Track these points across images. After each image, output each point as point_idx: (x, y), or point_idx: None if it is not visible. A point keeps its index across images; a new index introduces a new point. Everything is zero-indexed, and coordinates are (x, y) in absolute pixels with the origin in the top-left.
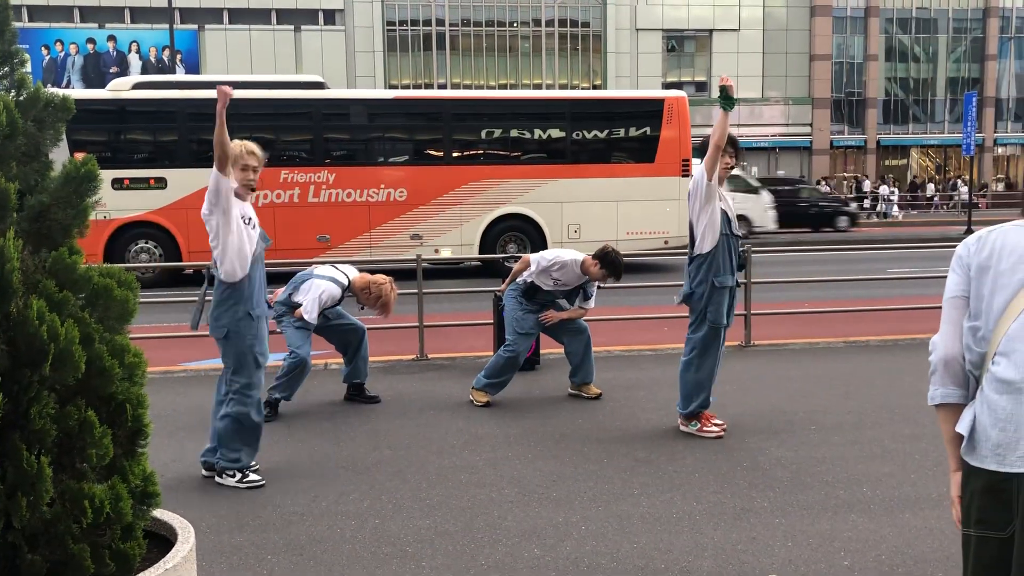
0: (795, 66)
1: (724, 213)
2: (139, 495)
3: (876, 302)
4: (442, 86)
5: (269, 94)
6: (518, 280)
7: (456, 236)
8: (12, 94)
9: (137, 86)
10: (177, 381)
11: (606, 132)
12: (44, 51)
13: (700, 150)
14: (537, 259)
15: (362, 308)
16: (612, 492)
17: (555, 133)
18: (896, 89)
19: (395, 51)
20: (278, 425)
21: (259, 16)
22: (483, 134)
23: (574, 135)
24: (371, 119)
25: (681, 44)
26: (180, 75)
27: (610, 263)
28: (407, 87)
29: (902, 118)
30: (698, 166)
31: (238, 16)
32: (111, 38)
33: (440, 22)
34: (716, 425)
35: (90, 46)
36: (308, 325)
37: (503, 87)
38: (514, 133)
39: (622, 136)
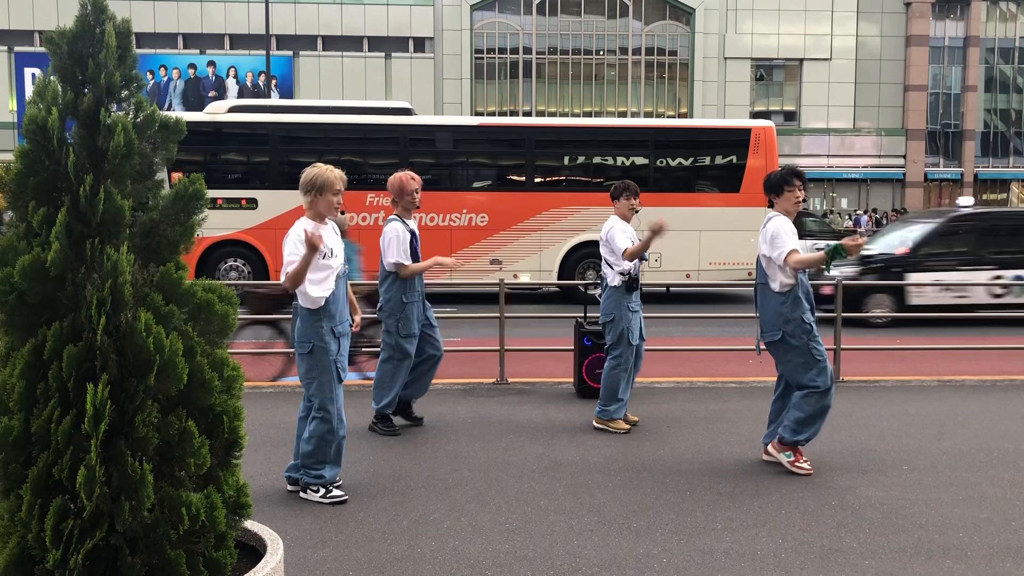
0: (888, 96)
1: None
2: (232, 505)
3: (973, 340)
4: (527, 113)
5: (357, 119)
6: (614, 285)
7: (535, 262)
8: (131, 116)
9: (232, 109)
10: (265, 396)
11: (691, 160)
12: (149, 76)
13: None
14: (605, 255)
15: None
16: (695, 525)
17: (638, 160)
18: (996, 121)
19: (482, 78)
20: (360, 443)
21: (351, 43)
22: (565, 160)
23: (657, 163)
24: (455, 145)
25: (770, 73)
26: (274, 99)
27: (616, 187)
28: (493, 114)
29: (1002, 151)
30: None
31: (331, 43)
32: (211, 63)
33: (527, 50)
34: (806, 463)
35: (191, 71)
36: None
37: (588, 115)
38: (596, 160)
39: (707, 164)
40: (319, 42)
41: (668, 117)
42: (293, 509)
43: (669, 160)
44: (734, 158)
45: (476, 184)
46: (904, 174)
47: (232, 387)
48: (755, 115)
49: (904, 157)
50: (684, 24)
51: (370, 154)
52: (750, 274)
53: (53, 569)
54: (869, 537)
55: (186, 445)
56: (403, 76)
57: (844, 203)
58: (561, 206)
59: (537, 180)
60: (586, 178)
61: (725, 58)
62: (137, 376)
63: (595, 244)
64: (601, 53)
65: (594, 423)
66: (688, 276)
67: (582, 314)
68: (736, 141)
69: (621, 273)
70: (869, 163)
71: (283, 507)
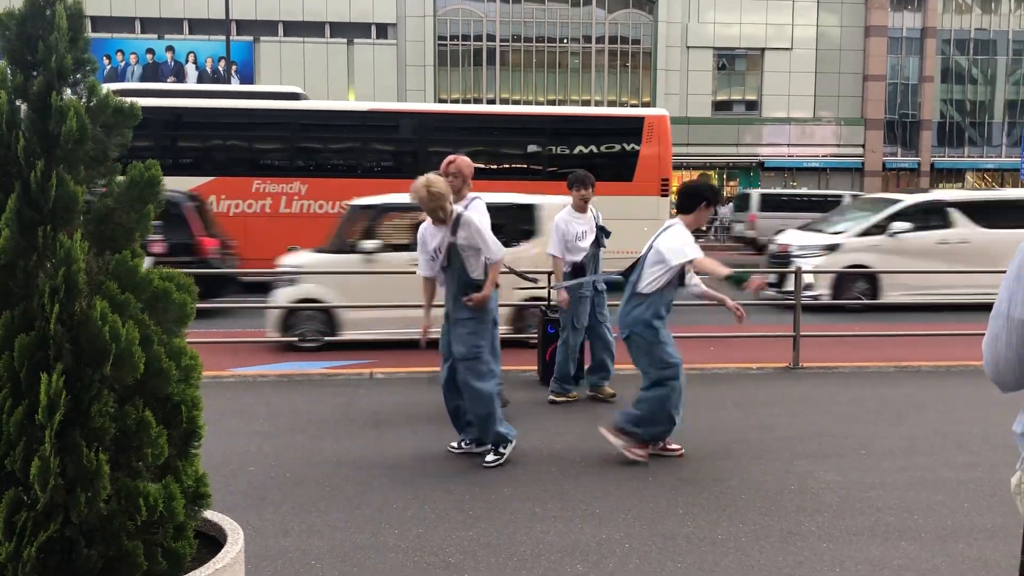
0: (848, 86)
1: (678, 275)
2: (191, 495)
3: (928, 327)
4: (491, 101)
5: (244, 104)
6: (565, 271)
7: None
8: (83, 100)
9: (116, 94)
10: (225, 386)
11: (584, 149)
12: (105, 60)
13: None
14: (556, 243)
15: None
16: (656, 510)
17: (532, 149)
18: (952, 111)
19: (446, 65)
20: (323, 433)
21: (313, 29)
22: (458, 147)
23: (551, 151)
24: (346, 131)
25: (732, 62)
26: (162, 84)
27: (569, 177)
28: (457, 101)
29: (957, 141)
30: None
31: (293, 29)
32: (169, 48)
33: (491, 37)
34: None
35: (149, 56)
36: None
37: (552, 103)
38: (489, 148)
39: (600, 153)
40: (280, 27)
41: (631, 106)
42: (254, 499)
43: (563, 149)
44: (627, 147)
45: (368, 170)
46: (863, 163)
47: (190, 376)
48: (717, 104)
49: (863, 146)
50: (647, 13)
51: (257, 139)
52: None
53: (6, 562)
54: (827, 520)
55: (143, 435)
56: (366, 62)
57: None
58: None
59: (427, 167)
60: (480, 165)
61: (688, 47)
62: (92, 365)
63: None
64: (565, 41)
65: (550, 396)
66: None
67: (545, 302)
68: (629, 130)
69: (572, 262)
70: (829, 152)
71: (244, 497)
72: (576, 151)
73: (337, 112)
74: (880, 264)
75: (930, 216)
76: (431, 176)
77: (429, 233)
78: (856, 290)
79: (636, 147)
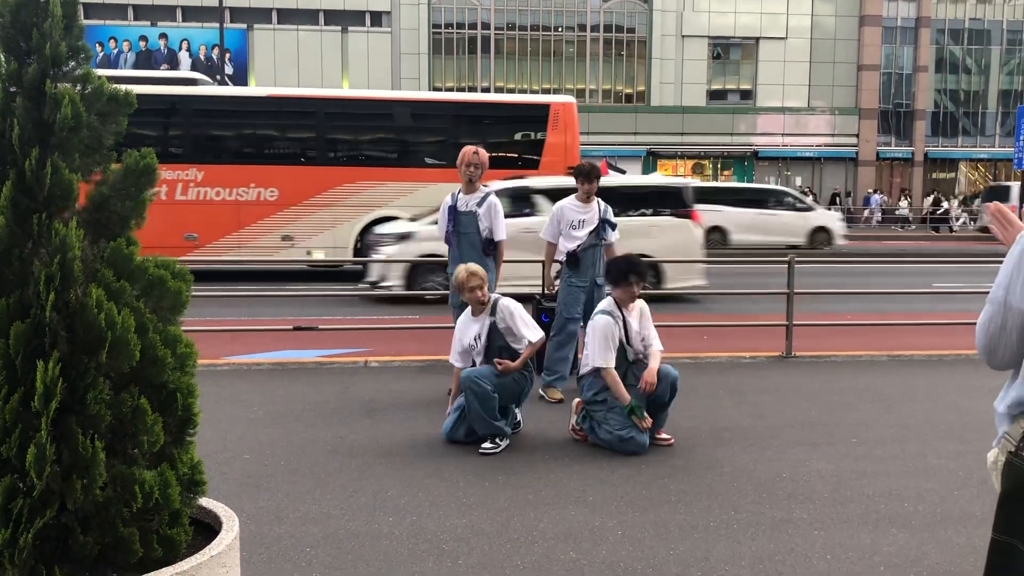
0: (842, 76)
1: (620, 345)
2: (187, 483)
3: (921, 316)
4: (485, 89)
5: (140, 89)
6: (559, 260)
7: (329, 238)
8: (78, 88)
9: None
10: (221, 374)
11: (489, 136)
12: (98, 48)
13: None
14: (550, 228)
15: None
16: (649, 498)
17: (436, 135)
18: (946, 101)
19: (440, 54)
20: (316, 420)
21: (307, 17)
22: (359, 135)
23: (455, 138)
24: (243, 117)
25: (727, 52)
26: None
27: (577, 171)
28: (451, 89)
29: (951, 131)
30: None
31: (286, 16)
32: (162, 36)
33: (485, 25)
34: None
35: (142, 44)
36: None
37: (546, 91)
38: (392, 134)
39: (506, 140)
40: (274, 15)
41: (625, 94)
42: (249, 487)
43: (467, 136)
44: (533, 134)
45: (265, 157)
46: (857, 153)
47: (185, 364)
48: (711, 93)
49: (857, 136)
50: (642, 2)
51: (151, 125)
52: None
53: (2, 549)
54: (819, 508)
55: (139, 423)
56: (360, 51)
57: (798, 181)
58: (356, 181)
59: (330, 154)
60: (381, 153)
61: (682, 36)
62: (88, 353)
63: (393, 221)
64: (560, 30)
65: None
66: None
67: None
68: (535, 117)
69: (566, 250)
70: (823, 142)
71: (239, 484)
72: (482, 138)
73: (235, 98)
74: None
75: (517, 203)
76: (471, 265)
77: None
78: (434, 281)
79: (542, 134)
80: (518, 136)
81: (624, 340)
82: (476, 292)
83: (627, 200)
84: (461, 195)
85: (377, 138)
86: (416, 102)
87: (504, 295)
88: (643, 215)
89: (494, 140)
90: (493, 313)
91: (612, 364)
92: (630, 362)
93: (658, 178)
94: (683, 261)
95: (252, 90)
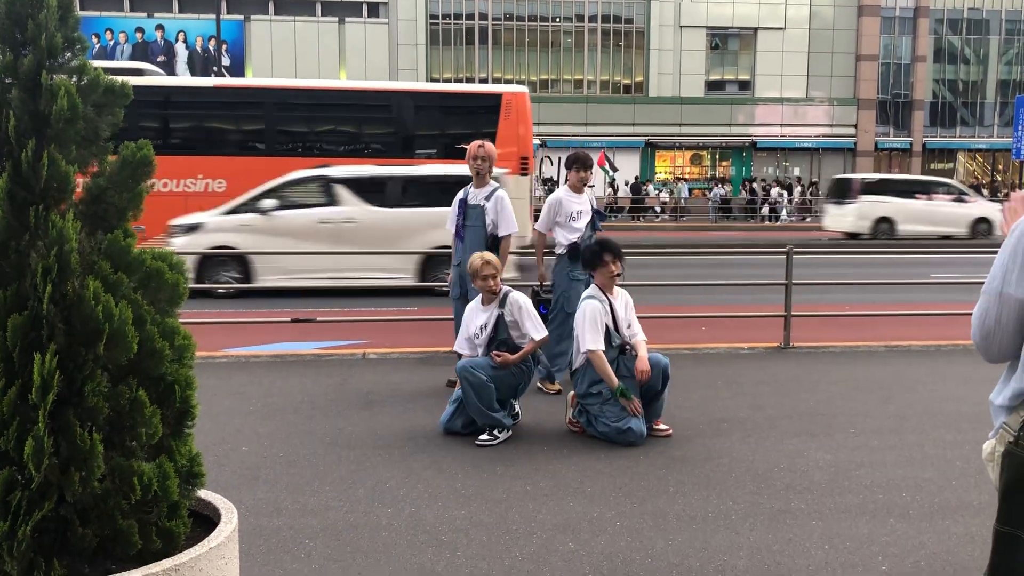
0: (841, 66)
1: (606, 327)
2: (185, 475)
3: (919, 306)
4: (483, 80)
5: None
6: (559, 252)
7: None
8: (74, 79)
9: None
10: (219, 366)
11: (441, 126)
12: (95, 39)
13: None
14: (544, 219)
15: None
16: (647, 488)
17: (386, 125)
18: (944, 91)
19: (437, 44)
20: (315, 412)
21: (304, 7)
22: (310, 125)
23: (406, 128)
24: (191, 107)
25: (725, 42)
26: None
27: (575, 159)
28: (448, 80)
29: (949, 121)
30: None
31: (283, 7)
32: (159, 27)
33: (483, 16)
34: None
35: (139, 35)
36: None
37: (544, 82)
38: (342, 124)
39: (458, 131)
40: (271, 6)
41: (623, 84)
42: (248, 479)
43: (419, 125)
44: (485, 125)
45: (213, 148)
46: (855, 143)
47: (183, 356)
48: (710, 84)
49: (855, 127)
50: None
51: None
52: None
53: (1, 541)
54: (816, 498)
55: (137, 415)
56: (357, 41)
57: (797, 172)
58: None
59: (279, 144)
60: (331, 143)
61: (681, 26)
62: (86, 345)
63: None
64: (557, 20)
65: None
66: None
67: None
68: (487, 107)
69: (567, 242)
70: (821, 132)
71: (237, 476)
72: (433, 128)
73: (183, 88)
74: (251, 245)
75: (314, 193)
76: (487, 254)
77: (477, 310)
78: (226, 274)
79: (494, 125)
80: (470, 127)
81: (611, 326)
82: (489, 281)
83: (433, 191)
84: (472, 188)
85: (326, 128)
86: (365, 92)
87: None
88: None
89: (445, 131)
90: (502, 305)
91: (601, 347)
92: (619, 352)
93: (443, 168)
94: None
95: (200, 80)
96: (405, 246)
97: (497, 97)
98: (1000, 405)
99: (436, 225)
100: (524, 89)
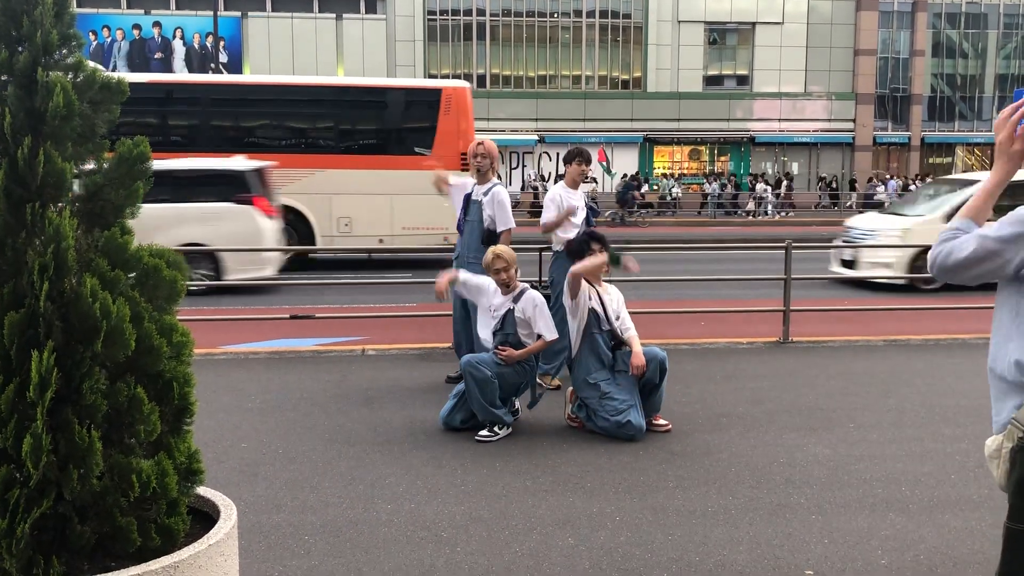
0: (839, 61)
1: (593, 311)
2: (184, 472)
3: (918, 301)
4: (481, 76)
5: None
6: (557, 250)
7: None
8: (69, 76)
9: None
10: (217, 363)
11: (380, 122)
12: (92, 36)
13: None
14: (555, 212)
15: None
16: (647, 484)
17: (324, 121)
18: (943, 85)
19: (435, 41)
20: (314, 408)
21: (301, 4)
22: (244, 120)
23: (344, 124)
24: (121, 103)
25: (723, 37)
26: None
27: (576, 153)
28: (447, 76)
29: (948, 115)
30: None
31: (281, 4)
32: (156, 24)
33: (481, 12)
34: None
35: (136, 32)
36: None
37: (542, 78)
38: (278, 120)
39: (397, 127)
40: (268, 2)
41: (621, 80)
42: (247, 475)
43: (356, 121)
44: (425, 120)
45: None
46: (853, 138)
47: (181, 353)
48: (708, 79)
49: (854, 121)
50: None
51: None
52: (446, 239)
53: (0, 539)
54: (816, 493)
55: (135, 412)
56: (354, 38)
57: (795, 167)
58: None
59: (212, 141)
60: (267, 139)
61: (678, 21)
62: (83, 343)
63: (282, 209)
64: (555, 16)
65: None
66: (381, 241)
67: (537, 278)
68: (427, 102)
69: (566, 238)
70: (819, 127)
71: (237, 473)
72: (372, 123)
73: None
74: None
75: None
76: (499, 247)
77: (491, 293)
78: None
79: (434, 120)
80: (409, 122)
81: (600, 311)
82: (500, 274)
83: (182, 186)
84: (476, 185)
85: (262, 124)
86: (302, 87)
87: None
88: (203, 201)
89: (384, 126)
90: (516, 300)
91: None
92: (616, 347)
93: (216, 162)
94: (243, 250)
95: (133, 76)
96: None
97: (437, 92)
98: (1001, 373)
99: (186, 221)
100: (465, 84)
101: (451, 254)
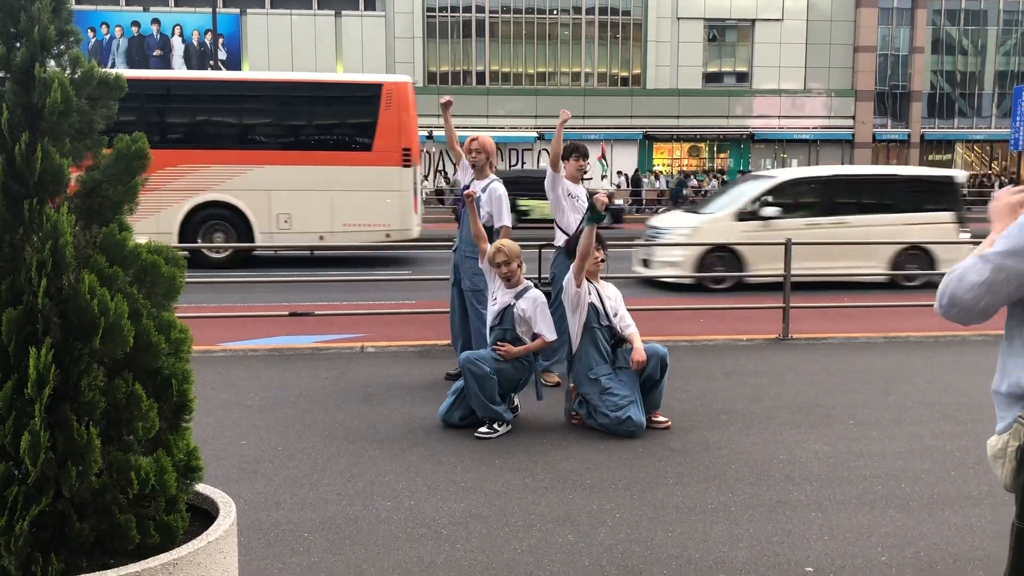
0: (839, 57)
1: (592, 306)
2: (183, 469)
3: (917, 298)
4: (480, 73)
5: None
6: (558, 245)
7: (152, 224)
8: (67, 72)
9: None
10: (216, 360)
11: (319, 117)
12: (90, 33)
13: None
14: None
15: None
16: (646, 480)
17: (263, 117)
18: (942, 82)
19: (435, 38)
20: (314, 406)
21: (300, 1)
22: (182, 116)
23: (283, 119)
24: None
25: (723, 33)
26: None
27: (573, 148)
28: (446, 74)
29: (947, 112)
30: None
31: (280, 1)
32: (155, 21)
33: (480, 9)
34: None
35: (135, 29)
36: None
37: (542, 75)
38: (217, 116)
39: (337, 122)
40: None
41: (620, 77)
42: (246, 472)
43: (296, 117)
44: (366, 116)
45: None
46: (853, 135)
47: (180, 350)
48: (707, 76)
49: (853, 118)
50: None
51: None
52: (388, 235)
53: None
54: (816, 489)
55: (134, 409)
56: (354, 35)
57: (795, 164)
58: (177, 164)
59: (148, 136)
60: (205, 135)
61: (678, 18)
62: (81, 339)
63: (219, 205)
64: (555, 12)
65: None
66: (322, 238)
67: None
68: (367, 97)
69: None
70: (819, 124)
71: (236, 470)
72: (311, 119)
73: None
74: None
75: None
76: (501, 241)
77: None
78: None
79: (374, 115)
80: (350, 118)
81: (599, 306)
82: (501, 268)
83: None
84: (474, 181)
85: (199, 120)
86: (239, 82)
87: None
88: None
89: (324, 121)
90: (518, 297)
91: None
92: (617, 344)
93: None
94: None
95: None
96: None
97: (378, 87)
98: (1006, 393)
99: None
100: (407, 79)
101: (395, 251)
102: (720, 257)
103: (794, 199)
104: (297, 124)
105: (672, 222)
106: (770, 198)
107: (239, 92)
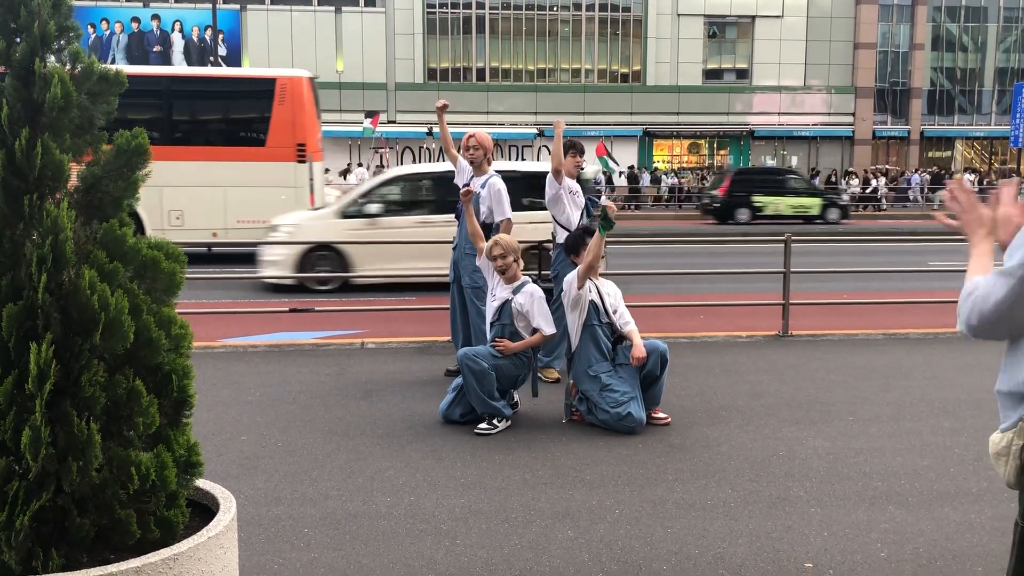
0: (839, 54)
1: (592, 303)
2: (183, 464)
3: (917, 294)
4: (481, 69)
5: None
6: (559, 242)
7: None
8: (67, 67)
9: None
10: (216, 356)
11: (212, 112)
12: (90, 29)
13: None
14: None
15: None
16: (646, 477)
17: (154, 111)
18: (942, 79)
19: (435, 34)
20: (314, 401)
21: None
22: None
23: (176, 113)
24: None
25: (723, 30)
26: None
27: (571, 145)
28: (446, 70)
29: (947, 109)
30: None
31: None
32: (155, 17)
33: (480, 5)
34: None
35: (134, 25)
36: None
37: (542, 71)
38: None
39: (230, 117)
40: None
41: (621, 73)
42: (246, 468)
43: (186, 111)
44: (259, 111)
45: None
46: (853, 132)
47: (180, 345)
48: (708, 73)
49: (853, 115)
50: None
51: None
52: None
53: None
54: (815, 486)
55: (134, 404)
56: (354, 31)
57: (795, 161)
58: None
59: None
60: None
61: (678, 15)
62: (82, 335)
63: None
64: (555, 9)
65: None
66: (215, 235)
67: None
68: (260, 92)
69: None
70: (819, 121)
71: (236, 466)
72: (202, 114)
73: None
74: None
75: None
76: (499, 235)
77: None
78: None
79: (268, 111)
80: (241, 113)
81: (599, 303)
82: (498, 261)
83: None
84: (472, 177)
85: None
86: (130, 77)
87: None
88: None
89: (215, 116)
90: (516, 292)
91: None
92: (616, 341)
93: None
94: None
95: None
96: None
97: (271, 82)
98: (1009, 392)
99: None
100: (303, 73)
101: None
102: (323, 256)
103: (409, 196)
104: (190, 119)
105: (283, 219)
106: (378, 195)
107: (130, 86)
